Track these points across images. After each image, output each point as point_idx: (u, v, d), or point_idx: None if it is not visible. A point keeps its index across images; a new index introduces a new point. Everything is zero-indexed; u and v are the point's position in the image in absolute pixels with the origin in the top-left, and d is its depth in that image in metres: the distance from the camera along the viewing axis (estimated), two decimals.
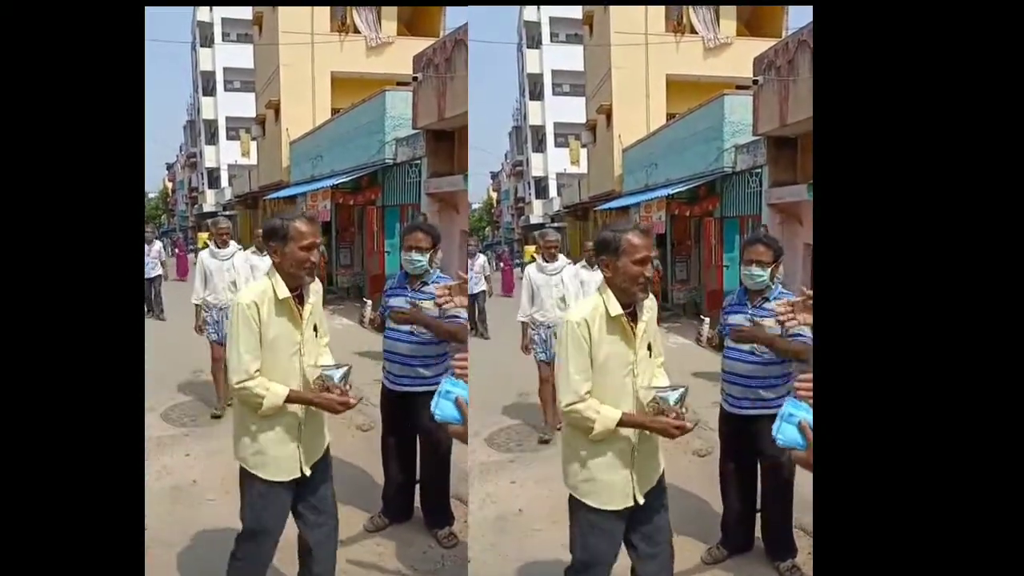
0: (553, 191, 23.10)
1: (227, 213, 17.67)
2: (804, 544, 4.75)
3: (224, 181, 18.62)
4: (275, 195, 16.27)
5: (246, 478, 3.68)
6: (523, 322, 7.64)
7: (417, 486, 5.07)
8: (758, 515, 4.79)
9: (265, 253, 4.54)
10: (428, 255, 4.84)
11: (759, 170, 13.64)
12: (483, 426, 7.28)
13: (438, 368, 4.81)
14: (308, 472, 3.69)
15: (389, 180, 14.55)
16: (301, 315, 3.64)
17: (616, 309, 3.35)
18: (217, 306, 7.72)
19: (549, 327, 7.34)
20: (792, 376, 4.57)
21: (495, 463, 6.45)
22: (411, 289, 4.87)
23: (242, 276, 7.67)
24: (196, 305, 7.89)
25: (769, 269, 4.54)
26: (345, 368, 3.68)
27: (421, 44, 14.21)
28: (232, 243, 7.93)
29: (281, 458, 3.66)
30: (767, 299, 4.54)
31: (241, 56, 17.86)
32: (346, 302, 14.29)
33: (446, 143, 13.57)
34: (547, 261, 7.48)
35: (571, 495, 3.51)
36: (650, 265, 3.39)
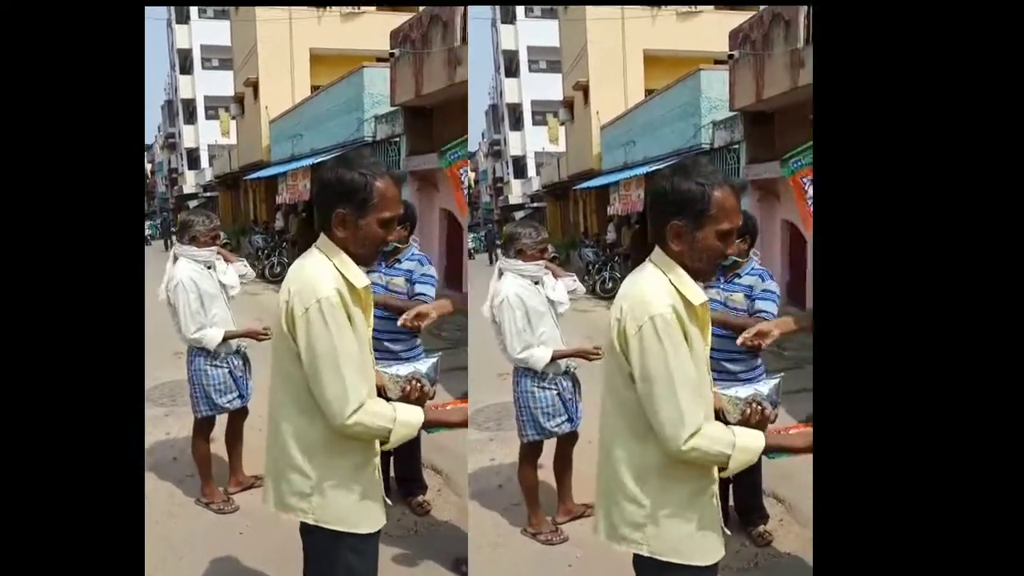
0: (532, 170, 22.92)
1: (207, 195, 17.48)
2: (775, 512, 4.86)
3: (204, 162, 18.40)
4: (255, 175, 16.16)
5: (332, 543, 2.70)
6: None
7: (391, 457, 5.16)
8: (730, 485, 4.89)
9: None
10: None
11: (736, 146, 13.65)
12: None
13: (407, 344, 4.91)
14: (389, 503, 2.92)
15: None
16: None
17: (699, 295, 2.49)
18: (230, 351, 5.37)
19: (567, 372, 4.92)
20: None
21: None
22: (385, 265, 4.94)
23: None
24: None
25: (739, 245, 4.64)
26: (435, 359, 3.27)
27: (399, 18, 14.08)
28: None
29: (375, 501, 2.79)
30: (739, 274, 4.67)
31: (218, 33, 17.58)
32: None
33: (423, 120, 13.52)
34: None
35: (651, 564, 2.56)
36: (734, 239, 2.55)
